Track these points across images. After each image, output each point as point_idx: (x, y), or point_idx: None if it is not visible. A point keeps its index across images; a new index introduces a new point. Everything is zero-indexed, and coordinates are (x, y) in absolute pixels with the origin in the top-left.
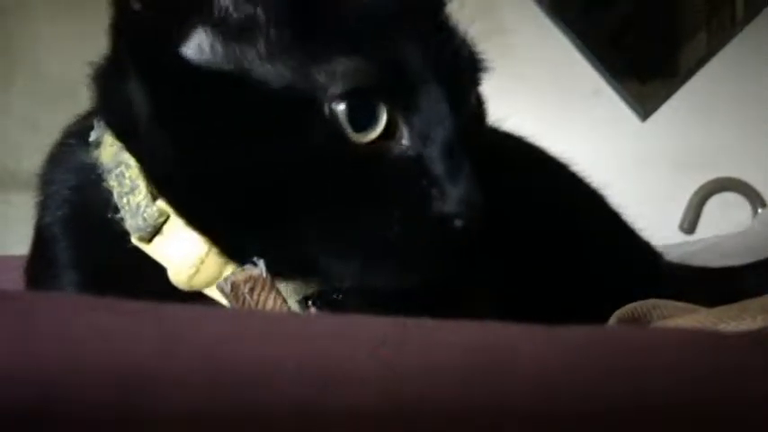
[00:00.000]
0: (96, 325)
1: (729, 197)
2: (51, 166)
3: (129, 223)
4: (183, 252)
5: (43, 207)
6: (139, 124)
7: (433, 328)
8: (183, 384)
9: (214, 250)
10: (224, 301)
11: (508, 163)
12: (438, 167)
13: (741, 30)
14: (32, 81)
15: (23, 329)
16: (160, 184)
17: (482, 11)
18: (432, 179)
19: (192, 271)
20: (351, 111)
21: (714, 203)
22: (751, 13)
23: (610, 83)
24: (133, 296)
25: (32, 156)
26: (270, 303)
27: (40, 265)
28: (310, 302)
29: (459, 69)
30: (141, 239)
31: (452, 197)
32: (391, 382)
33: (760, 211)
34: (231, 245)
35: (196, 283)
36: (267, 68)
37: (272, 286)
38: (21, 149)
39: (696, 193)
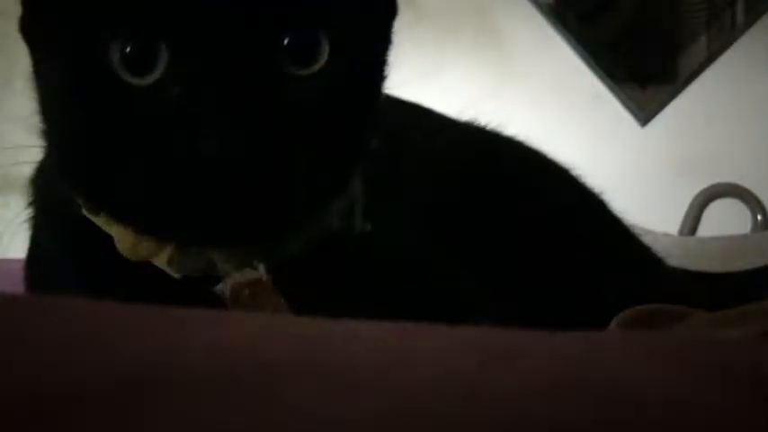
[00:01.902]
0: (96, 326)
1: (729, 203)
2: (39, 166)
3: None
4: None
5: (33, 205)
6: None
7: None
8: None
9: None
10: (170, 270)
11: (508, 167)
12: (206, 112)
13: (741, 35)
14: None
15: (24, 331)
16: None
17: (481, 16)
18: (197, 124)
19: (132, 238)
20: (127, 54)
21: (714, 209)
22: (751, 19)
23: (610, 88)
24: (94, 268)
25: (32, 159)
26: (269, 306)
27: (31, 256)
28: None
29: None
30: (90, 211)
31: (215, 142)
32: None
33: (759, 217)
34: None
35: (141, 252)
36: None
37: (272, 289)
38: (20, 152)
39: (696, 198)
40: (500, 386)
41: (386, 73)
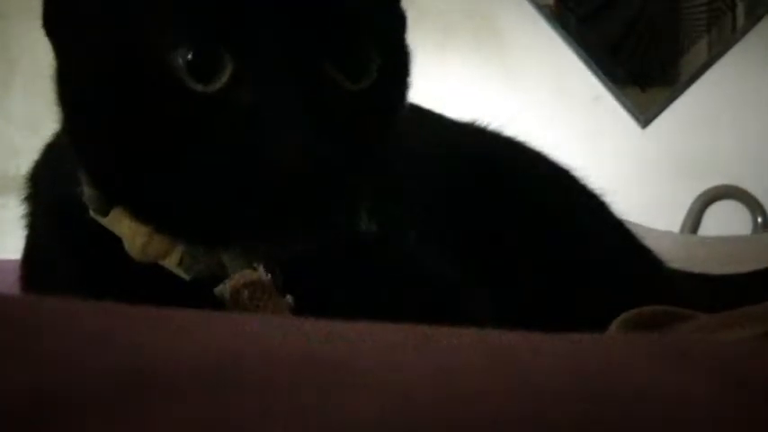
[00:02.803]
0: (96, 327)
1: (729, 205)
2: (38, 163)
3: (87, 195)
4: (134, 222)
5: (30, 201)
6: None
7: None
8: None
9: None
10: (179, 272)
11: (508, 168)
12: (278, 118)
13: (742, 37)
14: (32, 84)
15: (24, 332)
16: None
17: (481, 18)
18: (269, 129)
19: (144, 239)
20: (191, 61)
21: (714, 211)
22: (751, 21)
23: (610, 90)
24: (97, 269)
25: (31, 159)
26: (269, 308)
27: (27, 255)
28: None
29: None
30: (97, 212)
31: (289, 147)
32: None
33: (759, 219)
34: (142, 211)
35: (151, 253)
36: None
37: (272, 291)
38: (20, 152)
39: (696, 200)
40: (500, 387)
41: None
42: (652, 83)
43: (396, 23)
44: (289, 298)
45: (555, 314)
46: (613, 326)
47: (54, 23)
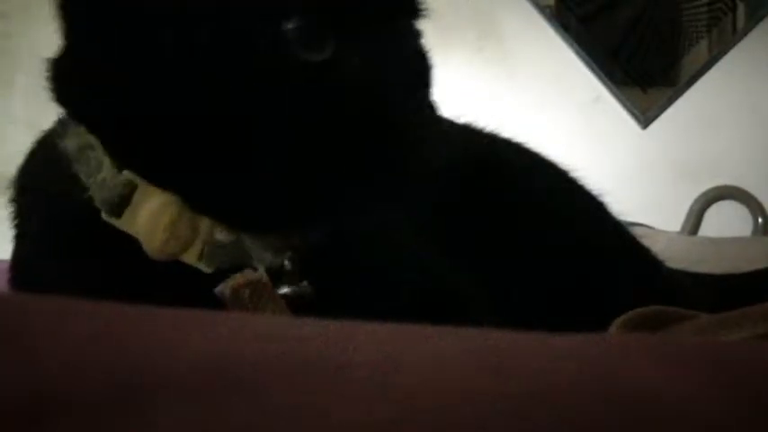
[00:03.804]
0: (96, 327)
1: (730, 205)
2: (25, 164)
3: (98, 198)
4: (153, 219)
5: (19, 204)
6: (93, 90)
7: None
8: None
9: (185, 212)
10: (200, 266)
11: (508, 168)
12: (390, 89)
13: (742, 38)
14: (32, 84)
15: (19, 331)
16: (119, 150)
17: (482, 18)
18: (384, 93)
19: (164, 236)
20: (300, 33)
21: (714, 211)
22: (752, 23)
23: (611, 90)
24: (110, 273)
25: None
26: (270, 307)
27: (17, 257)
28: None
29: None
30: (111, 214)
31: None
32: None
33: (760, 219)
34: (199, 193)
35: (170, 250)
36: None
37: (273, 290)
38: (19, 153)
39: (696, 201)
40: (500, 388)
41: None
42: (653, 83)
43: None
44: (305, 284)
45: (555, 314)
46: (613, 326)
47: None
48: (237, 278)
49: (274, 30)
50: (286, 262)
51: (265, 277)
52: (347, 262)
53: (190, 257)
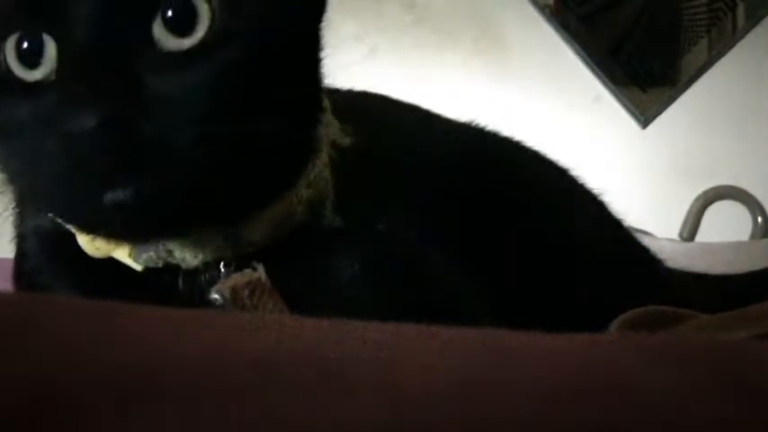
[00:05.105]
0: (96, 327)
1: (729, 205)
2: None
3: None
4: None
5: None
6: None
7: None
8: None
9: None
10: (132, 264)
11: (508, 168)
12: (71, 91)
13: (742, 38)
14: None
15: (20, 331)
16: None
17: (482, 18)
18: (64, 102)
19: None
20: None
21: (714, 211)
22: (752, 22)
23: (610, 90)
24: (59, 266)
25: None
26: (269, 307)
27: (18, 254)
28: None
29: None
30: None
31: (78, 117)
32: None
33: (759, 220)
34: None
35: (99, 246)
36: None
37: (272, 290)
38: None
39: (696, 200)
40: (500, 388)
41: (309, 44)
42: (652, 83)
43: None
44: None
45: (555, 314)
46: (613, 326)
47: None
48: (237, 278)
49: None
50: (263, 274)
51: (265, 277)
52: (333, 268)
53: (121, 254)
